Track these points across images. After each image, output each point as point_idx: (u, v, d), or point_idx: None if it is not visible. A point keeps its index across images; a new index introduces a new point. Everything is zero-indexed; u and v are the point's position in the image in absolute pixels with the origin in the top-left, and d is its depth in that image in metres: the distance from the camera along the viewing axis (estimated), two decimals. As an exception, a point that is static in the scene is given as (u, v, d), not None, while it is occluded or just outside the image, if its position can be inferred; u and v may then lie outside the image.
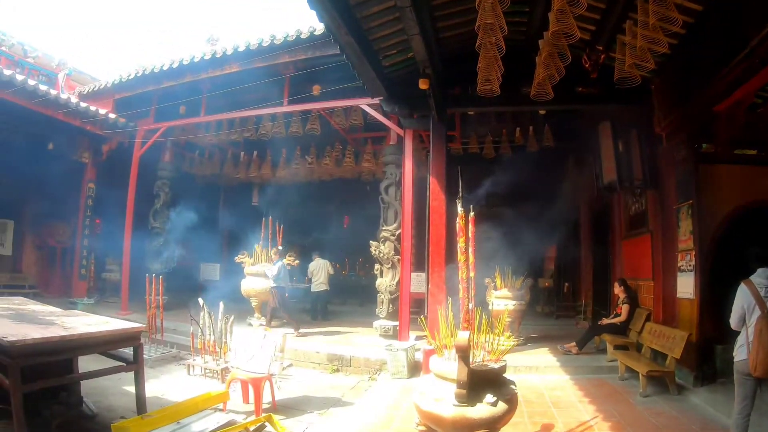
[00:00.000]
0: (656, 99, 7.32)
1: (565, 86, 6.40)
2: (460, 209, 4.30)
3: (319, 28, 8.44)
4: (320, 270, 12.25)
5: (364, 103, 9.23)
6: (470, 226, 4.24)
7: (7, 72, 10.11)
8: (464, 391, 3.73)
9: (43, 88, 10.77)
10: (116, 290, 13.46)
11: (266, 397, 5.88)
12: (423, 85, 7.05)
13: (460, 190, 4.43)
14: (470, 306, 4.14)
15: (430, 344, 7.06)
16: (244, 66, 9.95)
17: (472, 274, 4.21)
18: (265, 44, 9.33)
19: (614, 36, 6.30)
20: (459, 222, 4.25)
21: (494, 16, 4.66)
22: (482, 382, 3.85)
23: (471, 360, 3.86)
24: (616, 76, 5.67)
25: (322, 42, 8.61)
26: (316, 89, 9.72)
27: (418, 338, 8.01)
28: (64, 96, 11.62)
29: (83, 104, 11.78)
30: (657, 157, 7.87)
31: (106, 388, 6.11)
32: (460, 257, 4.20)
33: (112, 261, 14.36)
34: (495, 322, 5.69)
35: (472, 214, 4.27)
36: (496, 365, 4.04)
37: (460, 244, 4.21)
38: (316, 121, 11.02)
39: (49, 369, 4.81)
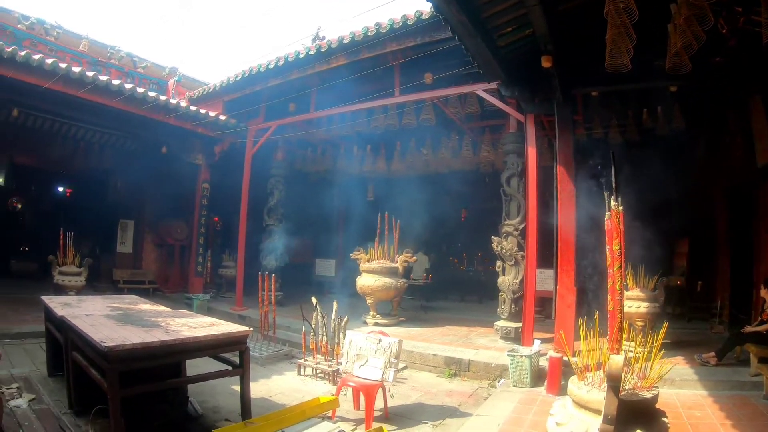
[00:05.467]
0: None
1: (700, 57, 5.45)
2: (613, 205, 3.54)
3: (426, 11, 7.99)
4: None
5: (480, 89, 8.57)
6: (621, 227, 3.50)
7: (116, 82, 10.58)
8: (611, 428, 3.06)
9: (152, 94, 11.24)
10: (232, 286, 13.88)
11: (378, 403, 5.55)
12: (546, 63, 6.37)
13: (613, 181, 3.61)
14: (620, 323, 3.43)
15: (557, 352, 6.44)
16: (351, 58, 9.65)
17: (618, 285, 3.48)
18: (370, 33, 8.95)
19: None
20: (610, 221, 3.51)
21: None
22: (632, 415, 3.17)
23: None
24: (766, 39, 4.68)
25: (431, 25, 8.11)
26: (428, 77, 9.21)
27: (543, 342, 7.28)
28: (173, 101, 12.07)
29: (193, 108, 12.17)
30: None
31: (214, 387, 6.10)
32: (614, 264, 3.48)
33: (228, 257, 14.90)
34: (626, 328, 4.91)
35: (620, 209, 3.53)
36: (649, 394, 3.33)
37: (614, 247, 3.48)
38: (430, 111, 10.52)
39: (154, 371, 4.79)
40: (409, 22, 8.40)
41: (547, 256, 8.29)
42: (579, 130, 9.86)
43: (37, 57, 9.34)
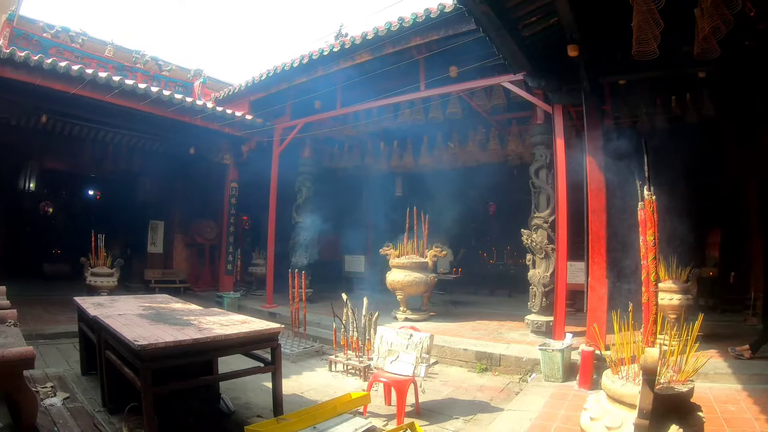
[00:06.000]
0: None
1: (729, 42, 5.29)
2: (646, 195, 3.44)
3: (449, 3, 7.94)
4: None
5: (506, 81, 8.46)
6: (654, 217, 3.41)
7: (142, 86, 10.73)
8: (646, 422, 2.98)
9: (178, 97, 11.40)
10: (262, 283, 14.07)
11: (409, 399, 5.53)
12: (572, 52, 6.27)
13: (646, 170, 3.52)
14: (655, 315, 3.36)
15: (589, 345, 6.34)
16: (375, 54, 9.63)
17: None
18: (393, 28, 8.93)
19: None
20: (644, 211, 3.43)
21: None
22: (667, 409, 3.08)
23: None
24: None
25: (455, 18, 8.05)
26: (453, 71, 9.16)
27: (575, 336, 7.18)
28: (199, 103, 12.19)
29: (219, 108, 12.25)
30: None
31: (245, 383, 6.14)
32: (648, 255, 3.40)
33: (258, 255, 15.03)
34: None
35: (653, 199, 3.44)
36: (684, 388, 3.25)
37: (648, 238, 3.40)
38: (456, 105, 10.45)
39: (187, 369, 4.86)
40: (432, 16, 8.34)
41: (577, 248, 8.18)
42: (607, 119, 9.66)
43: (63, 64, 9.52)
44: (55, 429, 4.62)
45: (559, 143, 7.88)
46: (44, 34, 12.68)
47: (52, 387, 5.76)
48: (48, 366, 6.68)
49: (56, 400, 5.34)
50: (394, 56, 9.45)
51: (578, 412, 3.91)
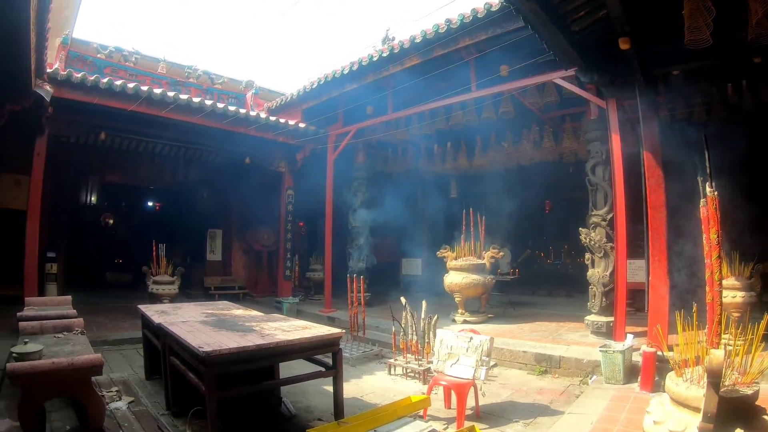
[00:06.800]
0: None
1: None
2: (708, 191, 3.32)
3: (496, 2, 7.85)
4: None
5: (558, 77, 8.31)
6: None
7: (196, 99, 11.08)
8: (711, 426, 2.87)
9: (232, 108, 11.68)
10: (320, 288, 14.23)
11: (469, 402, 5.50)
12: (624, 44, 6.12)
13: (707, 165, 3.39)
14: (720, 315, 3.23)
15: (651, 346, 6.15)
16: (424, 57, 9.61)
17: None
18: (441, 30, 8.90)
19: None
20: (706, 208, 3.31)
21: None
22: (731, 412, 2.96)
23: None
24: None
25: (502, 17, 7.94)
26: (504, 69, 9.04)
27: (636, 337, 6.96)
28: (253, 113, 12.51)
29: (272, 118, 12.57)
30: None
31: (305, 387, 6.22)
32: (711, 254, 3.28)
33: (315, 261, 15.23)
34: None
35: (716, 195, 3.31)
36: (749, 390, 3.11)
37: (711, 236, 3.28)
38: (508, 104, 10.32)
39: (249, 373, 5.01)
40: (479, 16, 8.25)
41: (637, 246, 7.93)
42: (662, 111, 9.35)
43: (119, 83, 9.95)
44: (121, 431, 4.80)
45: (615, 138, 7.68)
46: (98, 55, 13.21)
47: (117, 391, 6.00)
48: (113, 371, 6.94)
49: (121, 404, 5.56)
50: (443, 58, 9.40)
51: (640, 415, 3.81)
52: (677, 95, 8.70)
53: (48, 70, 8.94)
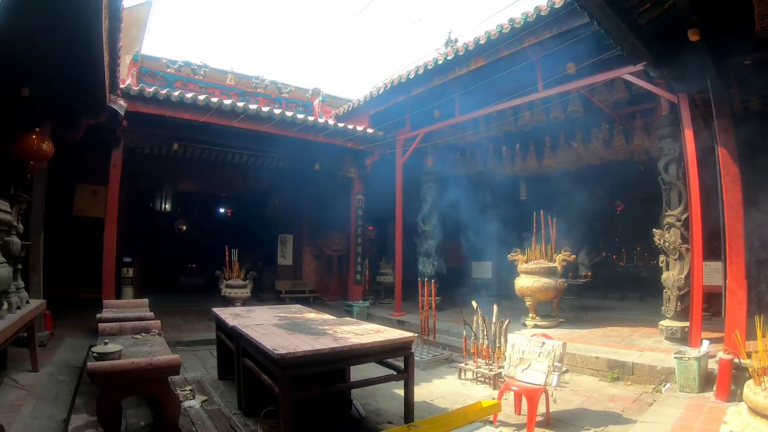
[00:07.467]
0: None
1: None
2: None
3: (558, -1, 7.67)
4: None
5: (626, 72, 8.00)
6: None
7: (265, 109, 11.41)
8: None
9: (300, 116, 11.94)
10: (390, 292, 14.38)
11: (540, 408, 5.40)
12: (693, 36, 5.84)
13: None
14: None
15: (728, 353, 5.84)
16: (489, 58, 9.52)
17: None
18: (505, 30, 8.80)
19: None
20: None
21: None
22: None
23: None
24: None
25: (566, 14, 7.79)
26: (571, 67, 8.82)
27: (712, 343, 6.62)
28: (321, 120, 12.73)
29: (340, 125, 12.77)
30: None
31: (375, 390, 6.27)
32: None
33: (385, 264, 15.31)
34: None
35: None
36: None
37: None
38: (576, 102, 10.12)
39: (320, 376, 5.11)
40: (542, 14, 8.12)
41: (713, 247, 7.57)
42: (735, 104, 8.89)
43: (189, 95, 10.42)
44: (194, 429, 5.02)
45: (688, 134, 7.33)
46: (168, 70, 13.83)
47: (191, 390, 6.25)
48: (187, 371, 7.19)
49: (195, 403, 5.79)
50: (508, 59, 9.28)
51: (715, 426, 3.68)
52: (750, 86, 8.25)
53: (121, 86, 9.43)
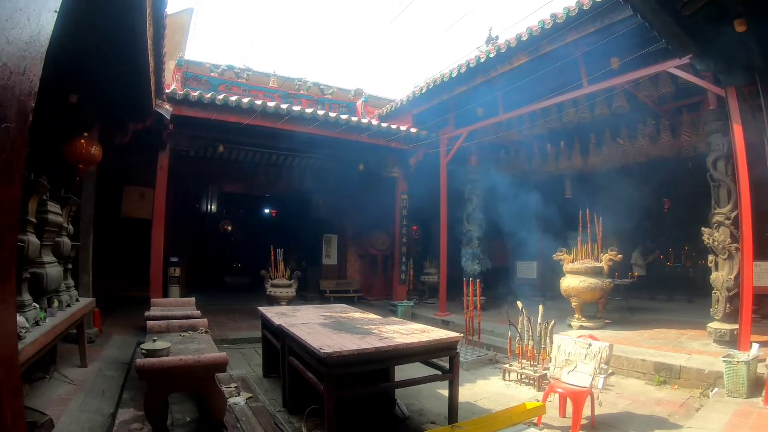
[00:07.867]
0: None
1: None
2: None
3: (600, -8, 7.50)
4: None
5: (671, 66, 7.74)
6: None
7: (309, 110, 11.54)
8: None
9: (344, 117, 12.05)
10: (434, 292, 14.37)
11: (585, 411, 5.32)
12: (740, 27, 5.62)
13: None
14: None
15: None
16: (531, 55, 9.41)
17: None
18: (547, 26, 8.65)
19: None
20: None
21: None
22: None
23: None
24: None
25: (609, 7, 7.60)
26: (615, 62, 8.62)
27: (762, 347, 6.35)
28: (364, 121, 12.81)
29: (384, 125, 12.83)
30: None
31: (419, 390, 6.25)
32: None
33: (430, 264, 15.28)
34: None
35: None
36: None
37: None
38: (621, 98, 9.89)
39: (365, 375, 5.13)
40: (584, 8, 7.96)
41: (764, 246, 7.27)
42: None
43: (234, 98, 10.64)
44: (239, 425, 5.13)
45: (737, 129, 7.05)
46: (212, 74, 14.10)
47: (236, 387, 6.41)
48: (232, 368, 7.31)
49: (239, 400, 5.93)
50: (551, 55, 9.14)
51: None
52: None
53: (166, 91, 9.72)
